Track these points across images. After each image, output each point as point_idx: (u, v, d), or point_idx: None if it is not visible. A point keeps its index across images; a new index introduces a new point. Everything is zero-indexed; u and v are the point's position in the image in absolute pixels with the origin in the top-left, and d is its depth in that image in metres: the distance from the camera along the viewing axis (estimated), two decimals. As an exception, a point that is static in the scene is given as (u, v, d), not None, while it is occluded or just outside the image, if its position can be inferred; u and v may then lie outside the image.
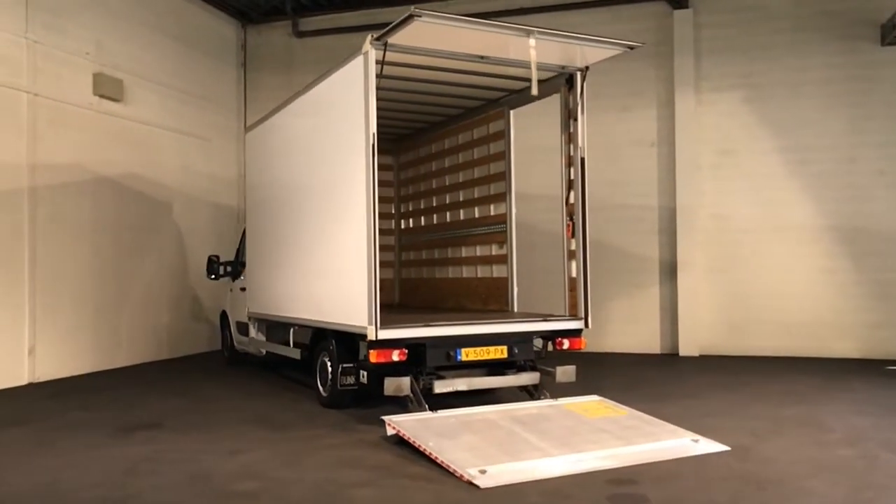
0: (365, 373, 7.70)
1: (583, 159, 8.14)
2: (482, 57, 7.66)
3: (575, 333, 8.10)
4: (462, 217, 10.41)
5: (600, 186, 13.69)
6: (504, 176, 9.45)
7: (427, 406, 7.23)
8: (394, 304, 12.00)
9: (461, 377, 7.62)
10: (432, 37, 7.04)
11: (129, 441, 6.98)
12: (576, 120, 8.16)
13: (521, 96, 9.10)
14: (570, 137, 8.27)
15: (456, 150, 10.52)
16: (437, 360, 7.43)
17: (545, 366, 8.08)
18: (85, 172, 11.52)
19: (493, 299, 9.62)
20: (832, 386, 9.72)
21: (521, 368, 8.14)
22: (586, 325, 8.13)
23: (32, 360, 10.53)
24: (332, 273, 8.01)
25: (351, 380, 7.95)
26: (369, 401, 8.35)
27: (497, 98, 9.48)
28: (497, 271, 9.61)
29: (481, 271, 10.03)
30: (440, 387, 7.43)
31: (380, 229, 11.91)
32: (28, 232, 10.51)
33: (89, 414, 8.35)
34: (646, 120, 13.67)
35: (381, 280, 11.96)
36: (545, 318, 8.17)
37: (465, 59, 7.74)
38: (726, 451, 6.41)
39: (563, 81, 8.36)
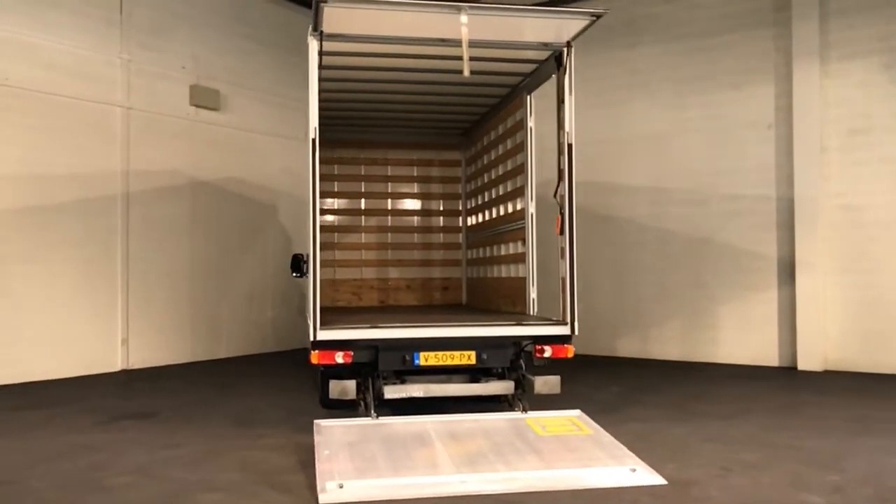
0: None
1: (570, 146, 7.25)
2: (442, 40, 7.15)
3: (559, 340, 7.23)
4: (501, 213, 9.81)
5: (707, 176, 12.37)
6: (523, 169, 8.72)
7: (374, 412, 6.92)
8: (461, 305, 11.64)
9: (420, 383, 7.17)
10: (365, 23, 6.74)
11: (103, 430, 7.41)
12: (563, 102, 7.31)
13: (535, 79, 8.37)
14: (559, 123, 7.42)
15: (496, 143, 9.94)
16: (391, 364, 7.05)
17: (529, 375, 7.33)
18: (180, 177, 12.49)
19: (519, 301, 8.94)
20: (937, 416, 7.83)
21: (500, 376, 7.52)
22: (573, 330, 7.23)
23: (125, 350, 11.62)
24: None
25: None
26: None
27: (517, 83, 8.81)
28: (522, 271, 8.90)
29: (511, 271, 9.38)
30: (391, 392, 7.03)
31: (447, 227, 11.85)
32: (121, 233, 11.61)
33: (115, 401, 9.03)
34: (761, 99, 11.94)
35: (448, 279, 11.80)
36: (519, 321, 7.42)
37: (429, 45, 7.30)
38: (657, 486, 5.41)
39: (553, 62, 7.53)
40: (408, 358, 7.01)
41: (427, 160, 11.69)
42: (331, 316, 8.22)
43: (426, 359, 7.04)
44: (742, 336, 12.03)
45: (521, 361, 7.52)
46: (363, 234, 11.51)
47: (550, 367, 7.39)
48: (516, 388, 7.38)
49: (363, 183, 11.53)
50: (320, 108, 10.05)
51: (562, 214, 7.38)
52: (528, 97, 8.62)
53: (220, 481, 5.61)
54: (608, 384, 10.09)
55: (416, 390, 7.10)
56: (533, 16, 6.71)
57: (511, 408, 7.43)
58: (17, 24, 10.40)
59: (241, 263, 13.58)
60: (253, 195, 13.75)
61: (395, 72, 8.60)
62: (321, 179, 11.29)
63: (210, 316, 12.96)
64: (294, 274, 12.44)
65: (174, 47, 12.44)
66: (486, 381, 7.39)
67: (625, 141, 13.18)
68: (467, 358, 7.10)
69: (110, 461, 6.20)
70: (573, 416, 6.96)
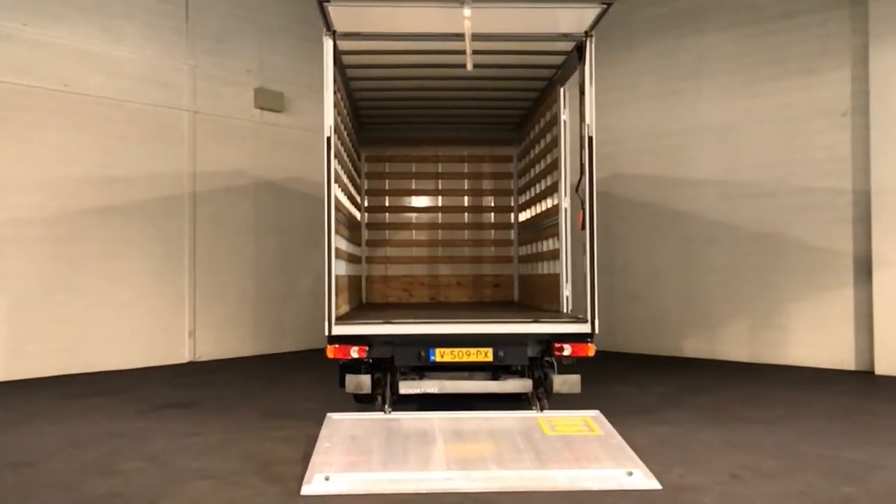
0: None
1: (591, 138, 7.03)
2: (457, 35, 7.06)
3: (579, 338, 7.02)
4: (542, 209, 9.61)
5: (778, 168, 11.74)
6: (557, 164, 8.52)
7: (387, 407, 6.95)
8: (513, 302, 11.50)
9: (435, 379, 7.13)
10: (376, 20, 6.77)
11: (142, 418, 7.79)
12: (583, 94, 7.11)
13: (564, 71, 8.17)
14: (581, 115, 7.20)
15: (538, 138, 9.76)
16: (406, 360, 7.04)
17: (550, 373, 7.16)
18: (245, 177, 12.95)
19: (556, 298, 8.75)
20: None
21: (521, 373, 7.38)
22: (593, 328, 7.00)
23: (192, 342, 12.17)
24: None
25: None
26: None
27: (551, 76, 8.63)
28: (558, 268, 8.70)
29: (549, 267, 9.18)
30: (405, 388, 7.04)
31: (499, 223, 11.71)
32: (188, 231, 12.17)
33: (168, 391, 9.46)
34: (836, 84, 11.18)
35: (499, 276, 11.66)
36: (536, 318, 7.25)
37: (452, 40, 7.23)
38: (650, 490, 5.18)
39: (576, 53, 7.34)
40: (423, 354, 6.99)
41: (479, 156, 11.60)
42: (355, 311, 8.32)
43: (441, 355, 6.99)
44: (815, 337, 11.32)
45: (552, 360, 7.34)
46: (414, 231, 11.55)
47: (577, 366, 7.19)
48: (536, 386, 7.23)
49: (414, 180, 11.57)
50: (368, 108, 10.25)
51: (584, 209, 7.18)
52: (562, 90, 8.43)
53: (218, 469, 5.78)
54: (656, 385, 9.74)
55: (430, 386, 7.08)
56: (541, 6, 6.55)
57: (529, 405, 7.29)
58: (93, 37, 11.11)
59: (306, 260, 13.92)
60: (317, 193, 13.90)
61: (429, 68, 8.59)
62: (371, 177, 11.58)
63: (274, 310, 13.38)
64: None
65: (238, 52, 12.91)
66: (505, 379, 7.27)
67: (692, 131, 12.66)
68: (484, 355, 7.01)
69: (131, 448, 6.50)
70: (588, 417, 6.75)
